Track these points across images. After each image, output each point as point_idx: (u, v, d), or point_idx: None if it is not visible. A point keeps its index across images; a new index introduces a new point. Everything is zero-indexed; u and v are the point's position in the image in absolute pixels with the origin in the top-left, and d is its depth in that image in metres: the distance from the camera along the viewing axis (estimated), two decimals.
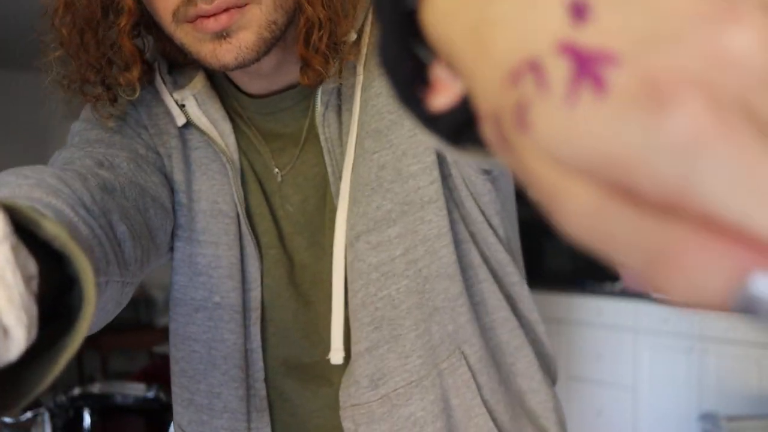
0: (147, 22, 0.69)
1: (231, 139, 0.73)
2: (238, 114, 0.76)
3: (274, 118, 0.74)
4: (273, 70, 0.71)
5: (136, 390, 1.92)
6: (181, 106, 0.73)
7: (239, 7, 0.61)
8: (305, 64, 0.67)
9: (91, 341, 5.10)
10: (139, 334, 5.05)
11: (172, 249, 0.75)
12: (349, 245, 0.68)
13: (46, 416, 1.86)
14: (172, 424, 0.78)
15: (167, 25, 0.64)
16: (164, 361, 3.85)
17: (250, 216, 0.73)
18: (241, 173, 0.73)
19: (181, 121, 0.73)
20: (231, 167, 0.72)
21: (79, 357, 5.13)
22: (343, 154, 0.70)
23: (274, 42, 0.64)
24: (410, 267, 0.68)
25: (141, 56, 0.68)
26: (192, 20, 0.62)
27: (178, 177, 0.73)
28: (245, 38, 0.62)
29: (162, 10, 0.63)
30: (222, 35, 0.61)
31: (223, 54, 0.62)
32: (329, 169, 0.70)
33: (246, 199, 0.73)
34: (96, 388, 1.94)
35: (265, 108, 0.74)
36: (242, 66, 0.63)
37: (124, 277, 0.59)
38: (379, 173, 0.68)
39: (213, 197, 0.72)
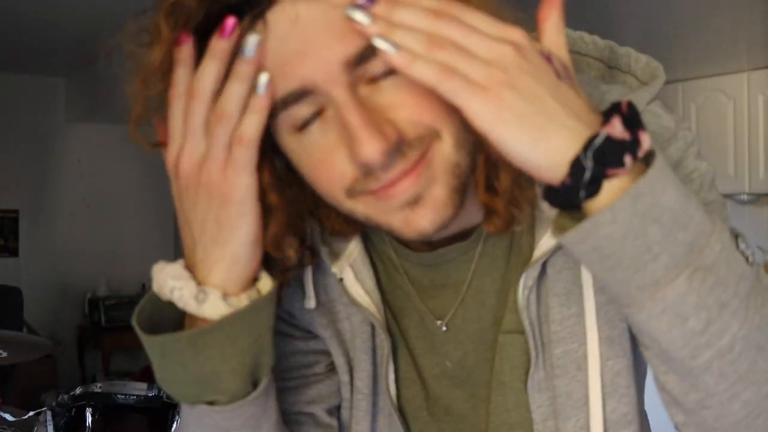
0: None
1: (381, 312, 0.68)
2: (390, 261, 0.70)
3: (437, 270, 0.68)
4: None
5: (138, 389, 1.92)
6: (339, 280, 0.67)
7: (422, 157, 0.55)
8: (490, 211, 0.61)
9: (93, 341, 5.11)
10: None
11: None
12: None
13: (48, 415, 1.86)
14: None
15: (339, 201, 0.58)
16: None
17: (398, 383, 0.70)
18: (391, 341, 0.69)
19: (311, 304, 0.69)
20: (386, 344, 0.68)
21: (81, 356, 5.15)
22: (542, 335, 0.64)
23: (463, 189, 0.57)
24: None
25: (303, 242, 0.64)
26: (373, 192, 0.56)
27: (339, 360, 0.71)
28: (437, 195, 0.55)
29: (330, 189, 0.57)
30: (412, 201, 0.55)
31: (418, 220, 0.55)
32: (532, 354, 0.64)
33: (396, 366, 0.70)
34: (98, 387, 1.94)
35: (428, 261, 0.68)
36: (442, 228, 0.56)
37: None
38: (615, 379, 0.63)
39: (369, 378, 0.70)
